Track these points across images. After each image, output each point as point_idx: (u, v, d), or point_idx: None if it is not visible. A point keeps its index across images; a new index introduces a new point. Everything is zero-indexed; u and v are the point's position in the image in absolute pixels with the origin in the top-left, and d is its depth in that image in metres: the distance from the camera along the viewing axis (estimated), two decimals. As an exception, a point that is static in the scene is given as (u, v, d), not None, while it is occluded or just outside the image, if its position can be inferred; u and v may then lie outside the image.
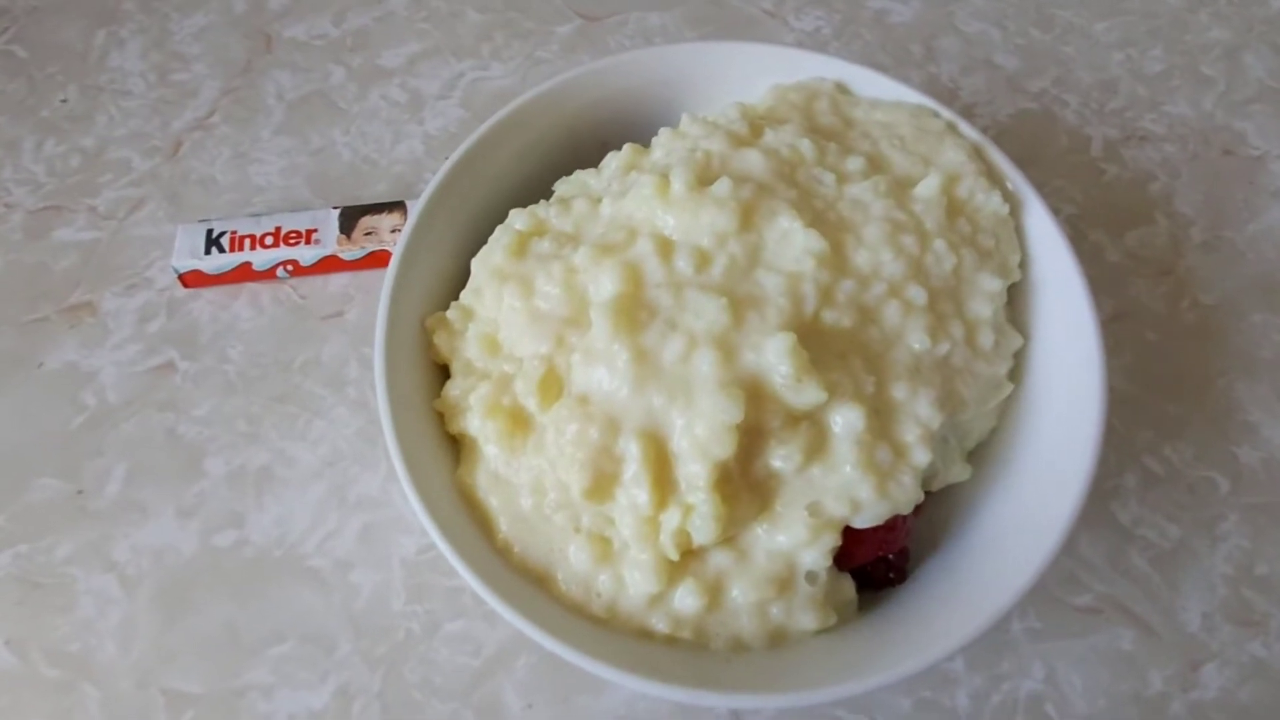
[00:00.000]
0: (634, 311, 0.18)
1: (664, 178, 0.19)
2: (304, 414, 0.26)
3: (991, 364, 0.20)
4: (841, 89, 0.23)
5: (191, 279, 0.28)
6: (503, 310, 0.19)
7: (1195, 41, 0.33)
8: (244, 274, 0.28)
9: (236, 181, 0.31)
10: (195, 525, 0.24)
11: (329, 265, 0.28)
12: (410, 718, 0.21)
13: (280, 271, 0.28)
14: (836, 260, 0.19)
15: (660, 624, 0.18)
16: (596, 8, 0.35)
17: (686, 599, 0.17)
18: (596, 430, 0.17)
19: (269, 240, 0.28)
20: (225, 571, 0.24)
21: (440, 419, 0.20)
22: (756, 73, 0.23)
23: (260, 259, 0.28)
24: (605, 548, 0.18)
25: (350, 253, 0.28)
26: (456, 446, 0.20)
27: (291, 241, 0.28)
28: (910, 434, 0.18)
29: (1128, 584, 0.23)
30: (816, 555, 0.18)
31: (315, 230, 0.28)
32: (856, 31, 0.34)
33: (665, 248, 0.19)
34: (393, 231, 0.28)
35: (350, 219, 0.28)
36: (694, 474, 0.17)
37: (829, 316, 0.18)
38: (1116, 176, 0.30)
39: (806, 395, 0.17)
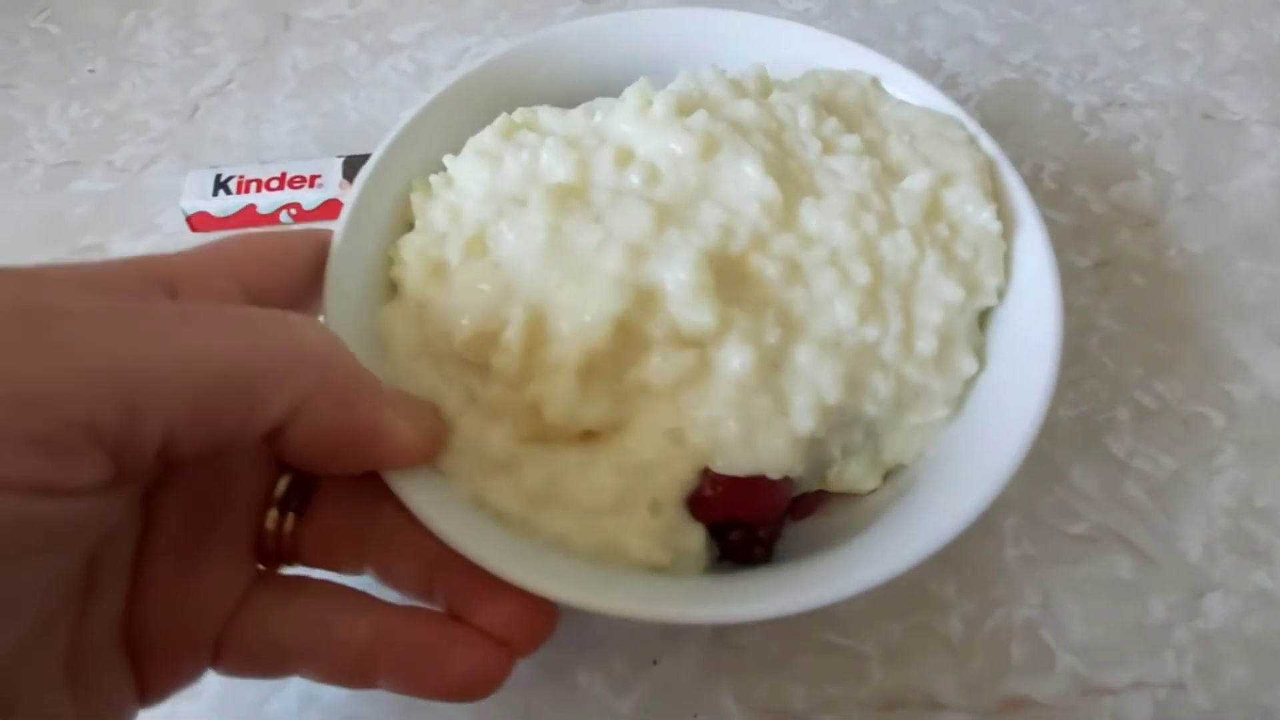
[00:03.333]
0: (568, 197, 0.18)
1: (648, 100, 0.20)
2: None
3: (926, 374, 0.18)
4: (876, 84, 0.23)
5: (198, 221, 0.29)
6: (472, 182, 0.20)
7: (1172, 21, 0.35)
8: (249, 218, 0.29)
9: (247, 139, 0.32)
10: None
11: (331, 210, 0.29)
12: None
13: (284, 215, 0.29)
14: (785, 215, 0.18)
15: (495, 495, 0.16)
16: (597, -9, 0.37)
17: (526, 478, 0.17)
18: (491, 288, 0.17)
19: (274, 184, 0.29)
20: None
21: (390, 265, 0.20)
22: (790, 58, 0.23)
23: (265, 202, 0.28)
24: (472, 406, 0.17)
25: None
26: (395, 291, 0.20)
27: (296, 185, 0.29)
28: (800, 397, 0.17)
29: (1124, 513, 0.23)
30: (664, 481, 0.17)
31: (319, 175, 0.29)
32: (845, 11, 0.35)
33: (624, 157, 0.19)
34: None
35: (353, 166, 0.29)
36: (563, 355, 0.17)
37: (757, 261, 0.18)
38: (1099, 138, 0.31)
39: (697, 315, 0.17)
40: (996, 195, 0.20)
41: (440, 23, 0.36)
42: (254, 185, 0.29)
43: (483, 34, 0.36)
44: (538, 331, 0.17)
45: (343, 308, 0.18)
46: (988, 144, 0.21)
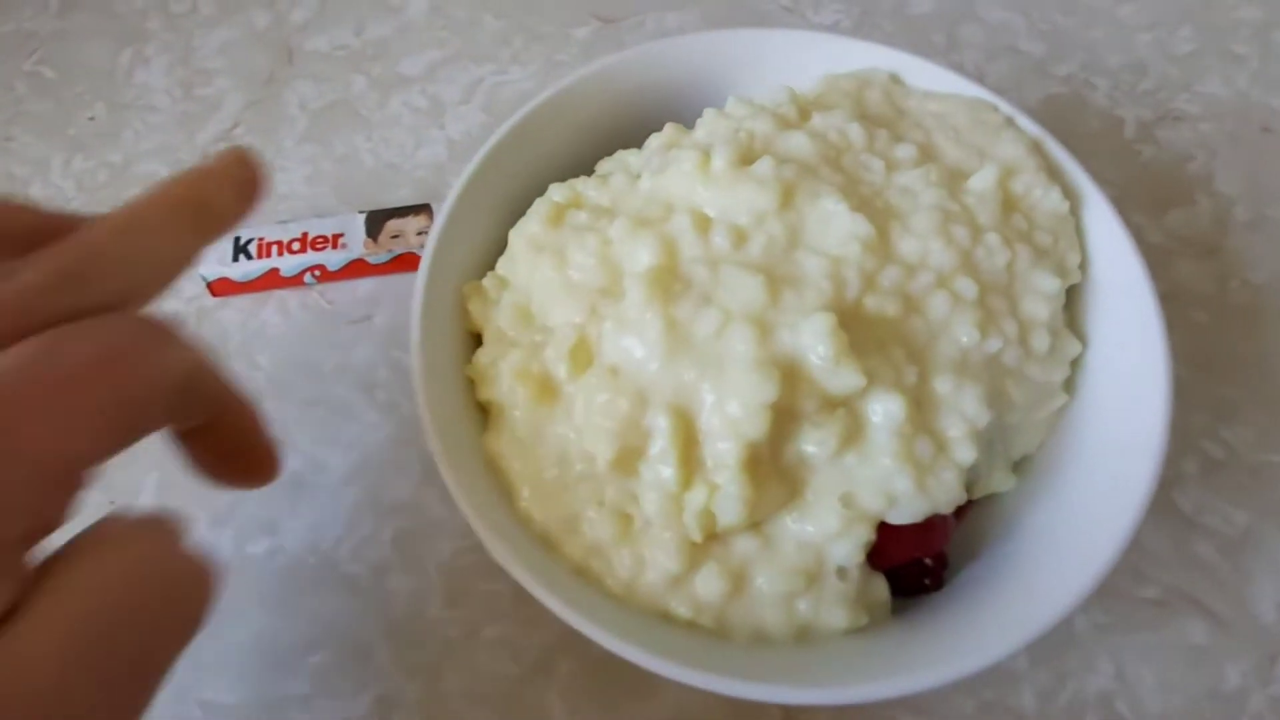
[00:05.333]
0: (668, 283, 0.17)
1: (705, 154, 0.19)
2: (335, 418, 0.26)
3: (1046, 369, 0.19)
4: (895, 80, 0.22)
5: (220, 287, 0.28)
6: (536, 280, 0.19)
7: (1224, 20, 0.33)
8: (272, 281, 0.28)
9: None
10: (229, 533, 0.24)
11: (356, 270, 0.28)
12: (451, 727, 0.21)
13: (307, 277, 0.28)
14: (882, 246, 0.18)
15: (681, 608, 0.17)
16: (613, 10, 0.35)
17: (709, 583, 0.17)
18: (625, 401, 0.17)
19: (296, 246, 0.28)
20: (259, 580, 0.23)
21: (471, 386, 0.20)
22: (808, 61, 0.23)
23: (288, 265, 0.27)
24: (627, 524, 0.17)
25: (377, 256, 0.28)
26: (484, 414, 0.20)
27: (318, 246, 0.28)
28: (954, 429, 0.17)
29: (1195, 574, 0.22)
30: (848, 549, 0.17)
31: (341, 235, 0.28)
32: (876, 23, 0.34)
33: (702, 223, 0.18)
34: (418, 234, 0.28)
35: (376, 223, 0.28)
36: (723, 452, 0.16)
37: (871, 303, 0.18)
38: (1153, 157, 0.30)
39: (844, 379, 0.16)
40: (1049, 170, 0.21)
41: (450, 51, 0.34)
42: (275, 248, 0.28)
43: (497, 62, 0.34)
44: (688, 436, 0.16)
45: (453, 441, 0.17)
46: (1026, 122, 0.22)
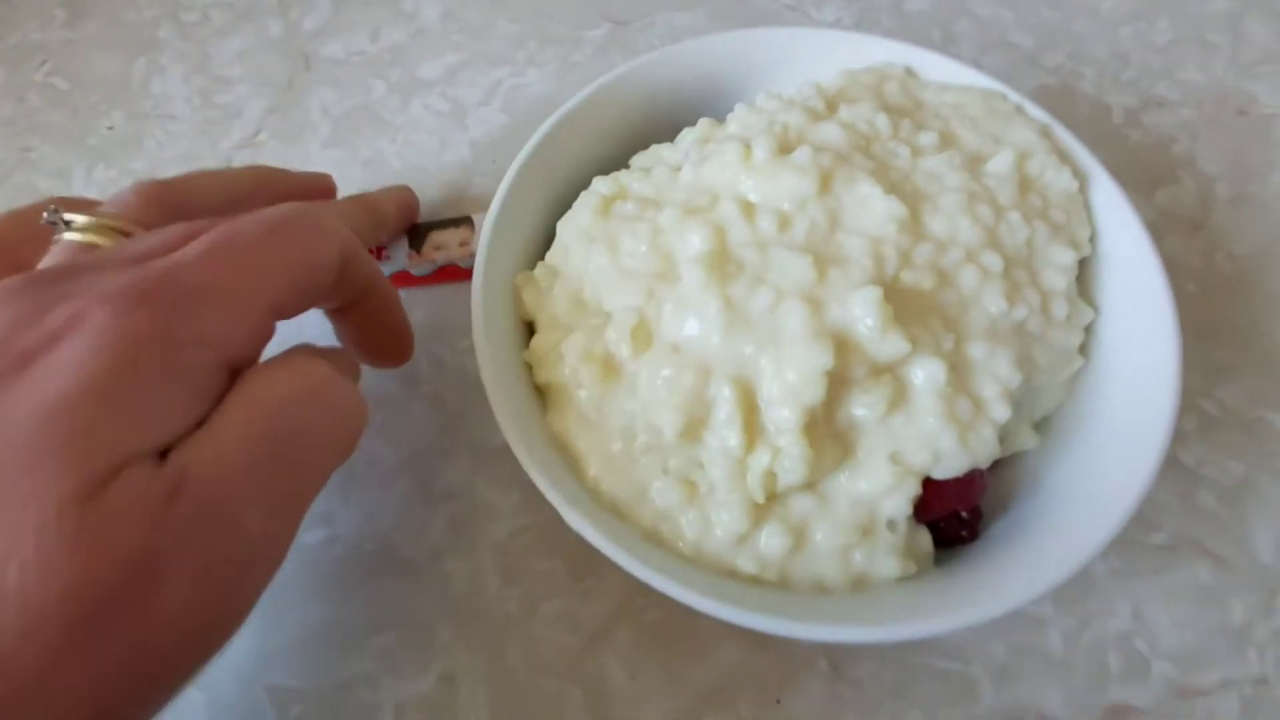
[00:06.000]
0: (723, 265, 0.19)
1: (746, 145, 0.20)
2: (380, 413, 0.27)
3: (1065, 334, 0.21)
4: (910, 73, 0.24)
5: None
6: (590, 268, 0.20)
7: (1198, 11, 0.35)
8: None
9: (290, 195, 0.32)
10: (286, 525, 0.25)
11: (401, 281, 0.28)
12: (517, 697, 0.22)
13: None
14: (915, 226, 0.20)
15: (747, 564, 0.18)
16: (623, 12, 0.36)
17: (773, 540, 0.18)
18: (689, 375, 0.18)
19: None
20: (318, 568, 0.24)
21: (528, 371, 0.21)
22: (825, 57, 0.24)
23: None
24: (692, 490, 0.18)
25: (421, 268, 0.28)
26: (543, 396, 0.21)
27: None
28: (989, 390, 0.19)
29: (1199, 521, 0.24)
30: (898, 503, 0.18)
31: (385, 247, 0.28)
32: (876, 19, 0.35)
33: (748, 210, 0.19)
34: (461, 245, 0.28)
35: (418, 235, 0.29)
36: (783, 418, 0.17)
37: (908, 278, 0.19)
38: (1140, 141, 0.32)
39: (891, 346, 0.18)
40: (1059, 153, 0.22)
41: (467, 55, 0.35)
42: None
43: (513, 64, 0.35)
44: (749, 404, 0.18)
45: (519, 426, 0.18)
46: (1034, 109, 0.24)
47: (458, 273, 0.28)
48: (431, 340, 0.28)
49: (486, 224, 0.21)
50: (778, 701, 0.22)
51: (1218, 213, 0.30)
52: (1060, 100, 0.33)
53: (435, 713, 0.22)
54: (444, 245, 0.28)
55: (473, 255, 0.26)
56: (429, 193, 0.32)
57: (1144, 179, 0.31)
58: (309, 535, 0.25)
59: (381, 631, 0.23)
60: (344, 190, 0.32)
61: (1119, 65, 0.34)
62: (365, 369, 0.23)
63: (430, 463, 0.26)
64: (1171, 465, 0.25)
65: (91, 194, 0.32)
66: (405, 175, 0.32)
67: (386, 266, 0.28)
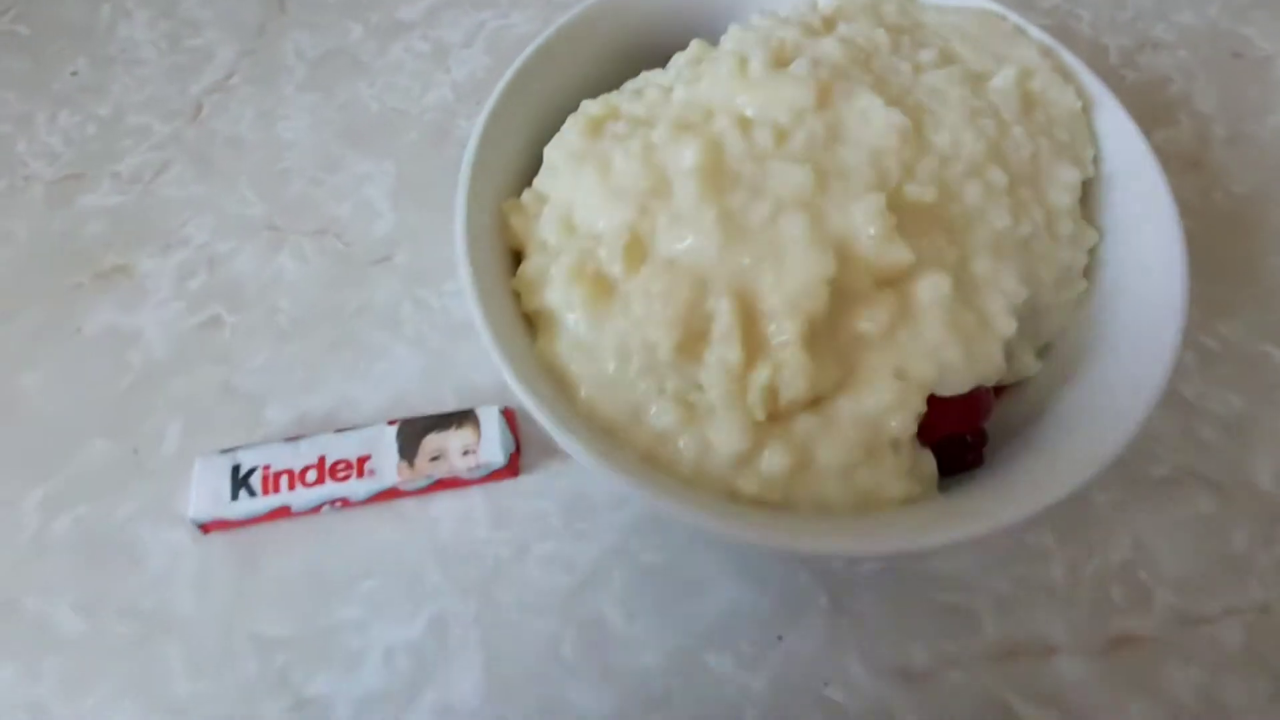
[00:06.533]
0: (718, 177, 0.18)
1: (742, 59, 0.19)
2: (363, 357, 0.26)
3: (1070, 253, 0.20)
4: None
5: (214, 525, 0.22)
6: (579, 189, 0.19)
7: (1193, -44, 0.34)
8: (281, 517, 0.22)
9: (264, 139, 0.30)
10: (265, 471, 0.24)
11: (383, 499, 0.22)
12: (509, 638, 0.21)
13: (326, 509, 0.22)
14: (917, 139, 0.19)
15: (748, 485, 0.17)
16: (610, -44, 0.35)
17: (774, 459, 0.17)
18: (685, 289, 0.17)
19: (311, 475, 0.21)
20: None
21: (516, 299, 0.20)
22: None
23: (301, 500, 0.22)
24: (690, 411, 0.18)
25: (413, 483, 0.22)
26: (532, 324, 0.20)
27: (341, 475, 0.22)
28: (994, 304, 0.18)
29: (1200, 453, 0.24)
30: (902, 419, 0.17)
31: (368, 458, 0.22)
32: (870, -37, 0.34)
33: (744, 124, 0.19)
34: (464, 454, 0.22)
35: (411, 439, 0.22)
36: (784, 330, 0.17)
37: (912, 190, 0.19)
38: (1136, 81, 0.31)
39: (894, 254, 0.17)
40: (1062, 72, 0.22)
41: (449, -3, 0.34)
42: (284, 479, 0.21)
43: (497, 7, 0.34)
44: (749, 317, 0.17)
45: (511, 349, 0.18)
46: (1036, 31, 0.23)
47: (458, 485, 0.22)
48: (413, 283, 0.27)
49: (469, 151, 0.20)
50: (779, 638, 0.21)
51: (1215, 152, 0.29)
52: (1057, 41, 0.32)
53: (425, 656, 0.21)
54: (443, 453, 0.22)
55: (479, 466, 0.21)
56: (410, 134, 0.30)
57: (1142, 118, 0.30)
58: (289, 481, 0.23)
59: (369, 577, 0.22)
60: (321, 135, 0.30)
61: (1115, 7, 0.33)
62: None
63: (414, 406, 0.25)
64: (1172, 399, 0.24)
65: (55, 141, 0.31)
66: (385, 117, 0.31)
67: (370, 484, 0.22)
